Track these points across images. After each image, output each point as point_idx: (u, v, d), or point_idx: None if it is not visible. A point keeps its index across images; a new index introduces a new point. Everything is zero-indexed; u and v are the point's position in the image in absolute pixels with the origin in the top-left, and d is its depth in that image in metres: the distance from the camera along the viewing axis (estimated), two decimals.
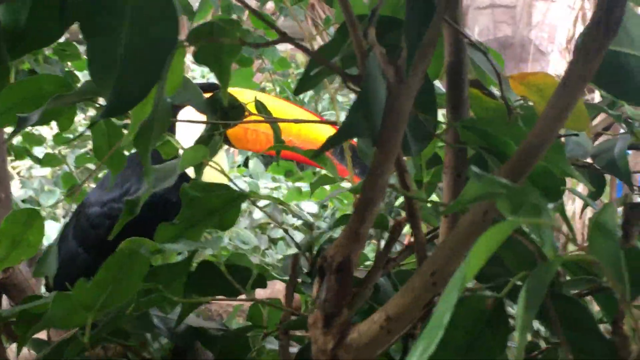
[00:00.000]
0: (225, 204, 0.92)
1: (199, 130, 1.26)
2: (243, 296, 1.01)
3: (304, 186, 4.82)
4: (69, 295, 0.76)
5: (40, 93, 1.07)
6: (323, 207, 4.89)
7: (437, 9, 0.72)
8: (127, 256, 0.72)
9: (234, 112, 1.19)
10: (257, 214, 4.83)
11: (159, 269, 0.88)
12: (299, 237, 4.80)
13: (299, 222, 4.83)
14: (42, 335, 1.10)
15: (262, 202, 4.90)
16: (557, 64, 5.84)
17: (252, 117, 1.19)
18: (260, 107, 1.15)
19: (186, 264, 0.88)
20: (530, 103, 0.91)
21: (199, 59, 0.80)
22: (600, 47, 0.64)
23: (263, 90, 3.54)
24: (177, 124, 1.88)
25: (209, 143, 1.17)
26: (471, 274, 0.52)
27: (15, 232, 1.09)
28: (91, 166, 3.70)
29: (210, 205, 0.92)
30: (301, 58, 5.66)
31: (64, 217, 4.71)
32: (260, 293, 1.27)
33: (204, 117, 1.20)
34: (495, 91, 1.01)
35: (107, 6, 0.73)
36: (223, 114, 1.19)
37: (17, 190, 4.82)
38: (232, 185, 0.97)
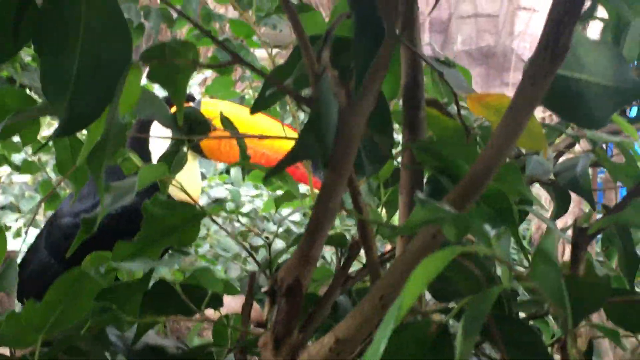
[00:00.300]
0: (184, 222, 0.92)
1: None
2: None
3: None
4: (19, 315, 0.75)
5: (3, 107, 1.07)
6: (305, 215, 4.88)
7: (389, 30, 0.72)
8: (75, 278, 0.72)
9: (200, 127, 1.19)
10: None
11: (117, 287, 0.88)
12: (280, 245, 4.80)
13: (280, 230, 4.83)
14: (5, 350, 1.09)
15: (244, 210, 4.90)
16: None
17: (219, 132, 1.19)
18: (226, 122, 1.15)
19: (144, 282, 0.88)
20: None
21: (152, 79, 0.80)
22: (547, 73, 0.65)
23: (243, 98, 3.53)
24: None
25: (174, 158, 1.17)
26: (408, 304, 0.52)
27: None
28: None
29: (169, 223, 0.91)
30: None
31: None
32: (231, 305, 1.26)
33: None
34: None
35: (61, 24, 0.73)
36: (189, 128, 1.19)
37: None
38: (201, 198, 0.96)
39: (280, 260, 1.02)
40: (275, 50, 3.02)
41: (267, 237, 4.72)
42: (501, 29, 6.13)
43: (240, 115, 2.00)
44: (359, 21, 0.66)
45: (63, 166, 1.15)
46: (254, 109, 0.83)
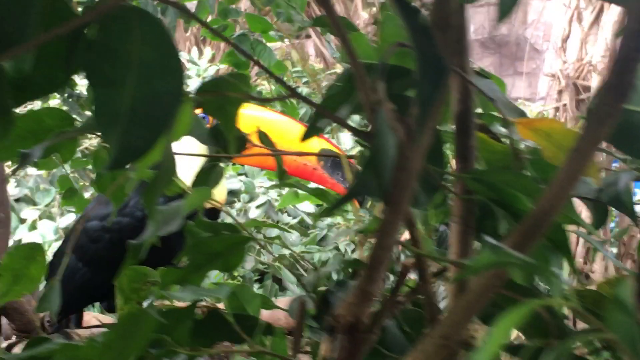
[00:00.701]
0: (229, 248, 0.92)
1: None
2: None
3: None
4: (77, 348, 0.75)
5: (42, 127, 1.07)
6: (318, 205, 4.86)
7: (448, 63, 0.71)
8: (136, 316, 0.72)
9: (237, 142, 1.18)
10: (253, 213, 4.83)
11: (165, 314, 0.88)
12: (294, 236, 4.81)
13: (294, 222, 4.83)
14: None
15: (258, 201, 4.90)
16: (552, 62, 5.83)
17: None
18: (264, 138, 1.14)
19: (191, 310, 0.88)
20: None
21: (206, 110, 0.79)
22: (612, 112, 0.64)
23: (260, 93, 3.53)
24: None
25: (211, 174, 1.16)
26: None
27: (17, 267, 1.09)
28: (88, 167, 3.69)
29: (214, 249, 0.91)
30: (296, 56, 5.64)
31: (60, 216, 4.71)
32: (262, 313, 1.26)
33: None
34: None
35: (113, 57, 0.73)
36: (225, 144, 1.18)
37: (12, 189, 4.81)
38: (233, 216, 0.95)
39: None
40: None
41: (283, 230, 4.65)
42: (514, 18, 6.10)
43: (259, 117, 2.00)
44: (423, 61, 0.65)
45: (102, 183, 1.15)
46: (305, 138, 0.82)
